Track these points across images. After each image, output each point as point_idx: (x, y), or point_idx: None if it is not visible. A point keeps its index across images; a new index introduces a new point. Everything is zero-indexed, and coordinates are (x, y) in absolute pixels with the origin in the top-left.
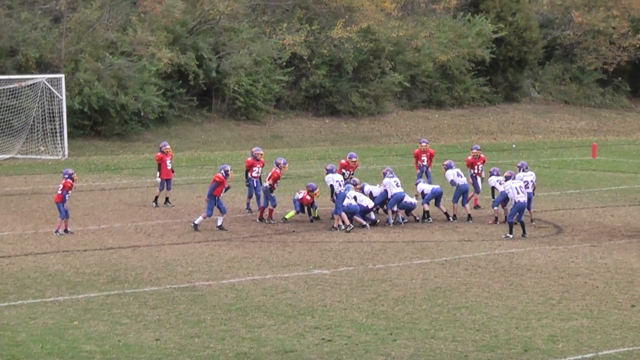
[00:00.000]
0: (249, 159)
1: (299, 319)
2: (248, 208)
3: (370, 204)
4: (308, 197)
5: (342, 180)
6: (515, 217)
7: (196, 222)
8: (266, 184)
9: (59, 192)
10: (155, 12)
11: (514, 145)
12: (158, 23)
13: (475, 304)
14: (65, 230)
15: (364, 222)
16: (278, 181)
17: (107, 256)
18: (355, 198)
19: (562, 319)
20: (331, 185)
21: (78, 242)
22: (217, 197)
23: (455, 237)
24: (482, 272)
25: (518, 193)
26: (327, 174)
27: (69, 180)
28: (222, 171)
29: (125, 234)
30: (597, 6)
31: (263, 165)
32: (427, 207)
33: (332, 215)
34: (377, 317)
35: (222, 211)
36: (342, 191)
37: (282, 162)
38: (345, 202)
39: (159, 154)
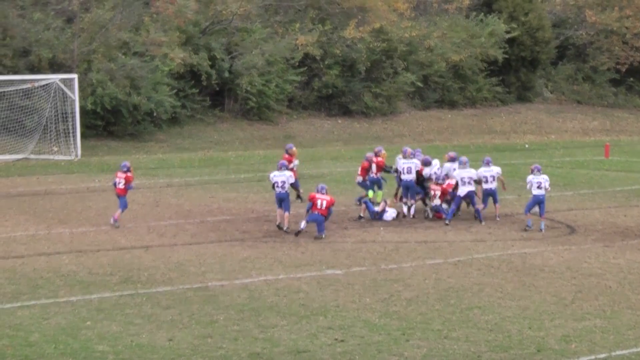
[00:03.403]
0: (365, 162)
1: (312, 319)
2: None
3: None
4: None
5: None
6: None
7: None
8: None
9: (122, 186)
10: (167, 12)
11: (526, 145)
12: (170, 23)
13: (488, 304)
14: (115, 221)
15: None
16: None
17: (120, 256)
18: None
19: (575, 319)
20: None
21: (91, 242)
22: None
23: (468, 238)
24: (495, 273)
25: (539, 187)
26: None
27: (128, 174)
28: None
29: (138, 234)
30: (610, 6)
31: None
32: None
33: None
34: (390, 318)
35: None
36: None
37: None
38: None
39: (286, 155)
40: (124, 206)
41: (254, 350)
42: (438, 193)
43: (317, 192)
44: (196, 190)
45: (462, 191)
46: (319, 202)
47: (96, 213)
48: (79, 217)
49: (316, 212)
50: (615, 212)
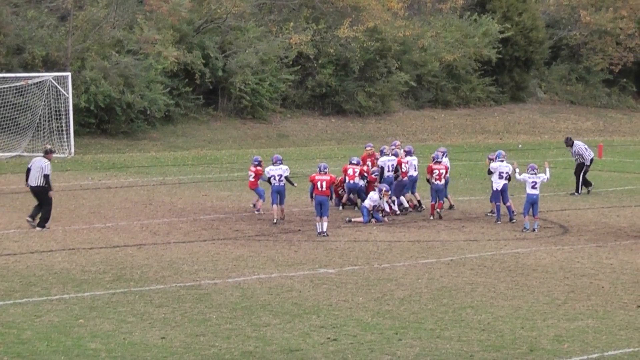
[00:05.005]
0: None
1: (305, 318)
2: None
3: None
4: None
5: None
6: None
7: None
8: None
9: (252, 179)
10: (161, 10)
11: (520, 145)
12: (164, 21)
13: (480, 304)
14: (258, 209)
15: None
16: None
17: (112, 254)
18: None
19: (567, 319)
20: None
21: (84, 240)
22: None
23: (461, 237)
24: (488, 272)
25: (533, 187)
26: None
27: (259, 167)
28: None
29: (131, 232)
30: (605, 6)
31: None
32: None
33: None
34: (383, 317)
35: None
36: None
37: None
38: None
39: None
40: (262, 197)
41: (247, 349)
42: (443, 172)
43: (319, 172)
44: (189, 189)
45: (498, 185)
46: (318, 184)
47: (89, 211)
48: (72, 214)
49: (319, 195)
50: (608, 213)
